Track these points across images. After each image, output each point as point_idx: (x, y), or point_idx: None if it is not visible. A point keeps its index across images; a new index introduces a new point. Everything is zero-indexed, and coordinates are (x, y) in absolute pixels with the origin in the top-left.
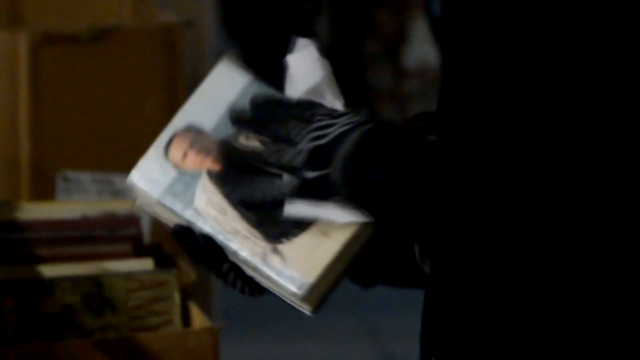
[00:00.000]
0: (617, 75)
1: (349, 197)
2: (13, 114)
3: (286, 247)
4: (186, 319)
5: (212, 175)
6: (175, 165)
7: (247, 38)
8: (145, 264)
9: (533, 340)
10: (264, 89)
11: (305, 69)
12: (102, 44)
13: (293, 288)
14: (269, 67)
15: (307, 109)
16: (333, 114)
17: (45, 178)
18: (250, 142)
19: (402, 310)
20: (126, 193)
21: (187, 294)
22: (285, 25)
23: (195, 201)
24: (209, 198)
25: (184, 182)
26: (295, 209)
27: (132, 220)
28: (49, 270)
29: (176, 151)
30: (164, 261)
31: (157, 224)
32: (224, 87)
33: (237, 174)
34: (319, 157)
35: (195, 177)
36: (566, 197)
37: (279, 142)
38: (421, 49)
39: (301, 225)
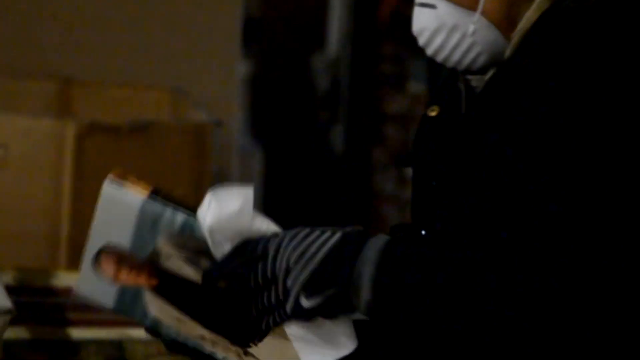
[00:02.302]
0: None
1: (379, 307)
2: (57, 194)
3: (255, 349)
4: None
5: (153, 290)
6: (113, 281)
7: (269, 140)
8: None
9: None
10: (158, 207)
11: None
12: (140, 135)
13: None
14: (287, 166)
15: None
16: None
17: (81, 253)
18: (170, 251)
19: None
20: None
21: None
22: (304, 131)
23: (150, 311)
24: (160, 308)
25: (131, 291)
26: (297, 332)
27: None
28: (76, 333)
29: (107, 270)
30: None
31: None
32: (121, 209)
33: (175, 289)
34: (317, 282)
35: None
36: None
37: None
38: None
39: (265, 331)
